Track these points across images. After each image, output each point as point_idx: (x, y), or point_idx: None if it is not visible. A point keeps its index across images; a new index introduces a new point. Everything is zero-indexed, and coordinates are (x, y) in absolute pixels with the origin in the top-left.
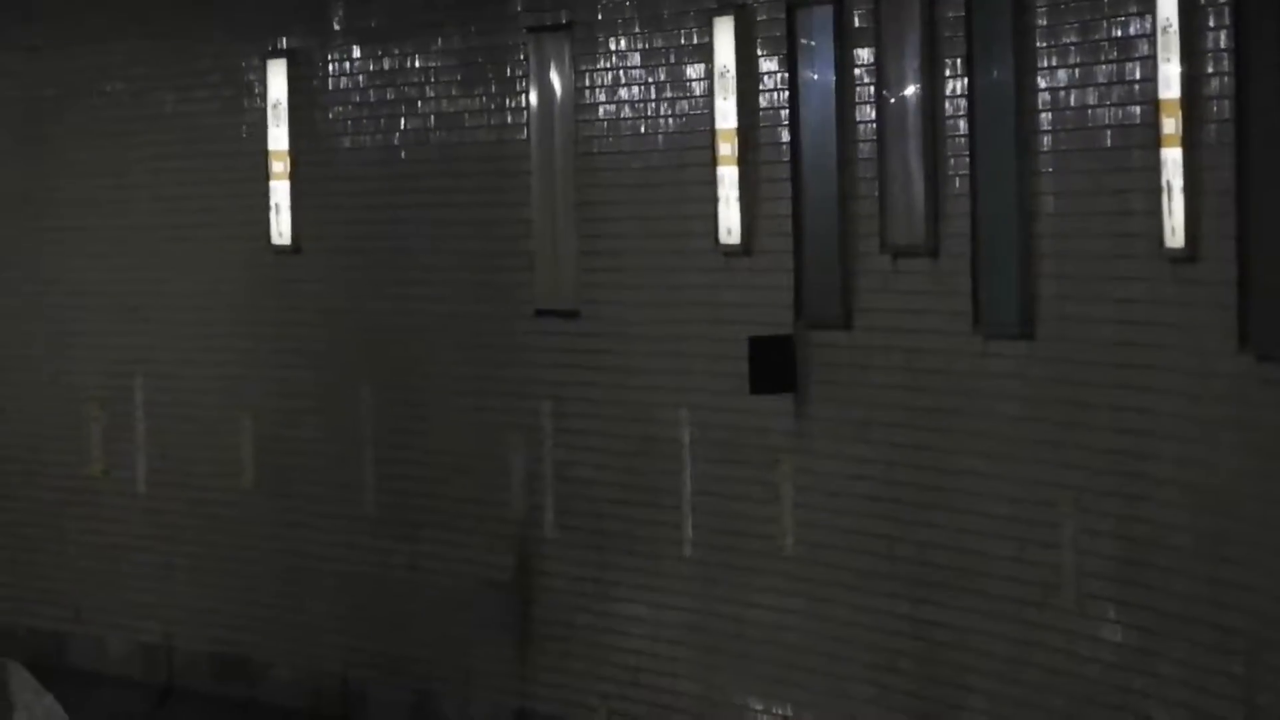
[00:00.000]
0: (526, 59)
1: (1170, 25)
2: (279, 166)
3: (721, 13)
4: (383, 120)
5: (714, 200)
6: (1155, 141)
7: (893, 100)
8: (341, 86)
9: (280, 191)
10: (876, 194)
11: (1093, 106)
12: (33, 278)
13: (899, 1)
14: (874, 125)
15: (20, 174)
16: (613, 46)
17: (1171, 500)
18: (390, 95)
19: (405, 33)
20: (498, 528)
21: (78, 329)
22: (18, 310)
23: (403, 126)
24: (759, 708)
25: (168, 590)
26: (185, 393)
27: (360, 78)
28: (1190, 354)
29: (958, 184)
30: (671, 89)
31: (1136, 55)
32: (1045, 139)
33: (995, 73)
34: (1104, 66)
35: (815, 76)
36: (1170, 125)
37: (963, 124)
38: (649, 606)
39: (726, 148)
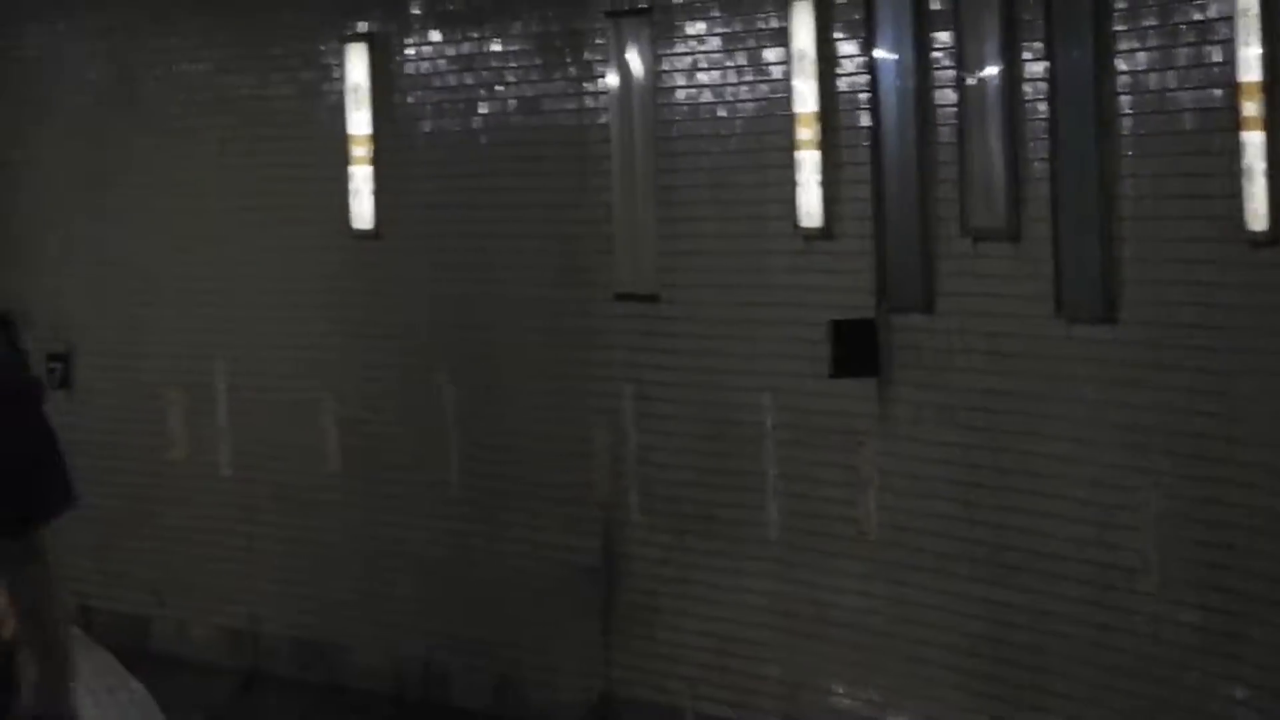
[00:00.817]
0: (606, 43)
1: (1250, 8)
2: (359, 151)
3: None
4: (462, 104)
5: (793, 184)
6: (1235, 124)
7: (972, 83)
8: (422, 70)
9: (360, 176)
10: (957, 177)
11: (1172, 90)
12: (111, 262)
13: None
14: (954, 108)
15: (98, 157)
16: (691, 30)
17: (1254, 482)
18: (469, 79)
19: (484, 17)
20: (581, 511)
21: (158, 313)
22: (98, 295)
23: (482, 111)
24: (842, 691)
25: (251, 575)
26: (267, 377)
27: (440, 61)
28: (1272, 336)
29: (1038, 167)
30: (750, 72)
31: (1216, 38)
32: (1125, 122)
33: (1075, 55)
34: (1184, 49)
35: (894, 59)
36: (1251, 108)
37: (1043, 107)
38: (732, 590)
39: (806, 131)
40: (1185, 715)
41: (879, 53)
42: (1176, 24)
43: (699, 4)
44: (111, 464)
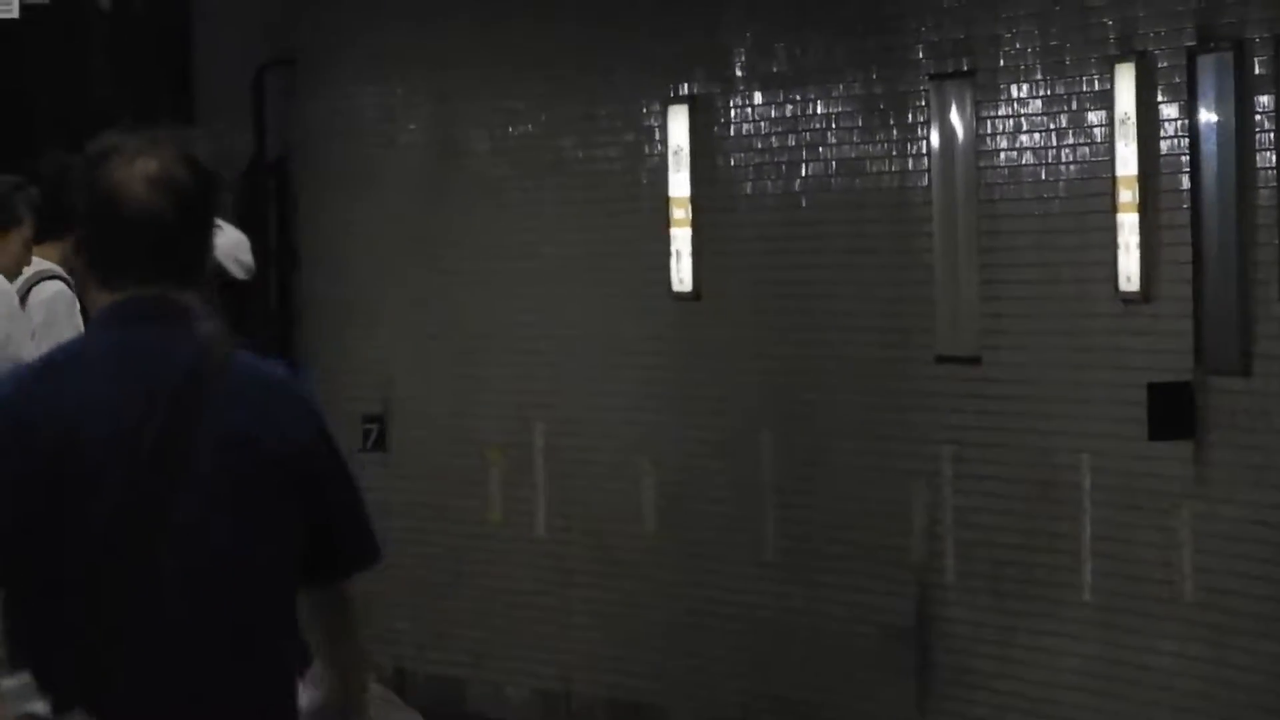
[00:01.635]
0: (928, 104)
1: None
2: (679, 213)
3: (1123, 59)
4: (784, 166)
5: (1114, 246)
6: None
7: None
8: (743, 132)
9: (681, 238)
10: (1276, 240)
11: None
12: (435, 322)
13: None
14: (1274, 171)
15: (426, 218)
16: (1014, 93)
17: None
18: (791, 141)
19: (806, 78)
20: (897, 573)
21: (479, 374)
22: (422, 355)
23: (804, 173)
24: None
25: (566, 636)
26: (586, 437)
27: (762, 123)
28: None
29: None
30: (1072, 135)
31: None
32: None
33: None
34: None
35: (1215, 122)
36: None
37: None
38: (1048, 653)
39: (1127, 194)
40: None
41: (1200, 115)
42: None
43: (1022, 66)
44: (432, 525)
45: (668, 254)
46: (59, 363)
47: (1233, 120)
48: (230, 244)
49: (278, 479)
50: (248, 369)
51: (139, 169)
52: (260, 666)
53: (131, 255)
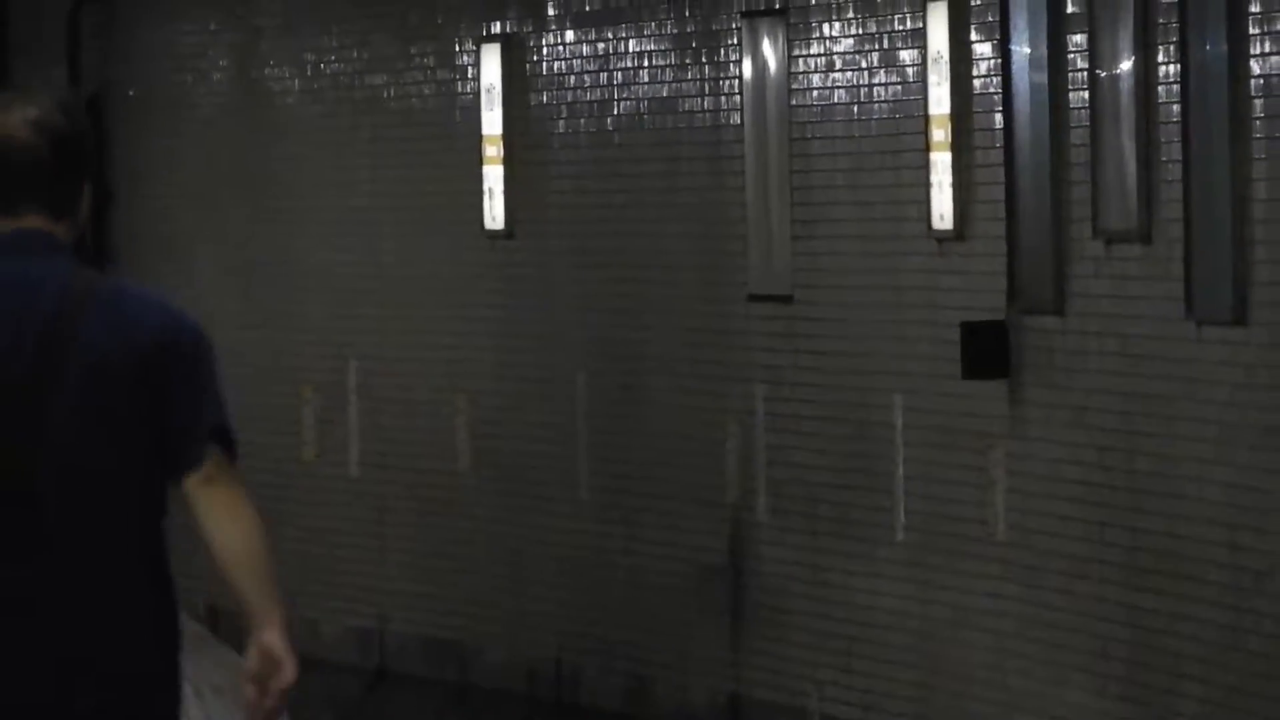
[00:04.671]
0: (740, 42)
1: None
2: (492, 151)
3: None
4: (596, 104)
5: (927, 185)
6: None
7: (1105, 84)
8: (556, 70)
9: (494, 176)
10: (1089, 178)
11: None
12: (251, 260)
13: None
14: (1087, 110)
15: (242, 156)
16: (826, 31)
17: None
18: (604, 79)
19: (619, 16)
20: (712, 512)
21: (293, 311)
22: (237, 293)
23: (616, 111)
24: (973, 693)
25: (382, 574)
26: (401, 376)
27: (574, 61)
28: None
29: (1171, 169)
30: (885, 73)
31: None
32: (1258, 123)
33: (1208, 55)
34: None
35: (1028, 60)
36: None
37: (1176, 108)
38: (862, 591)
39: (940, 133)
40: None
41: (1013, 53)
42: None
43: (834, 3)
44: (245, 464)
45: (481, 192)
46: None
47: (1046, 58)
48: None
49: (142, 386)
50: (114, 293)
51: (19, 114)
52: (138, 577)
53: (13, 191)
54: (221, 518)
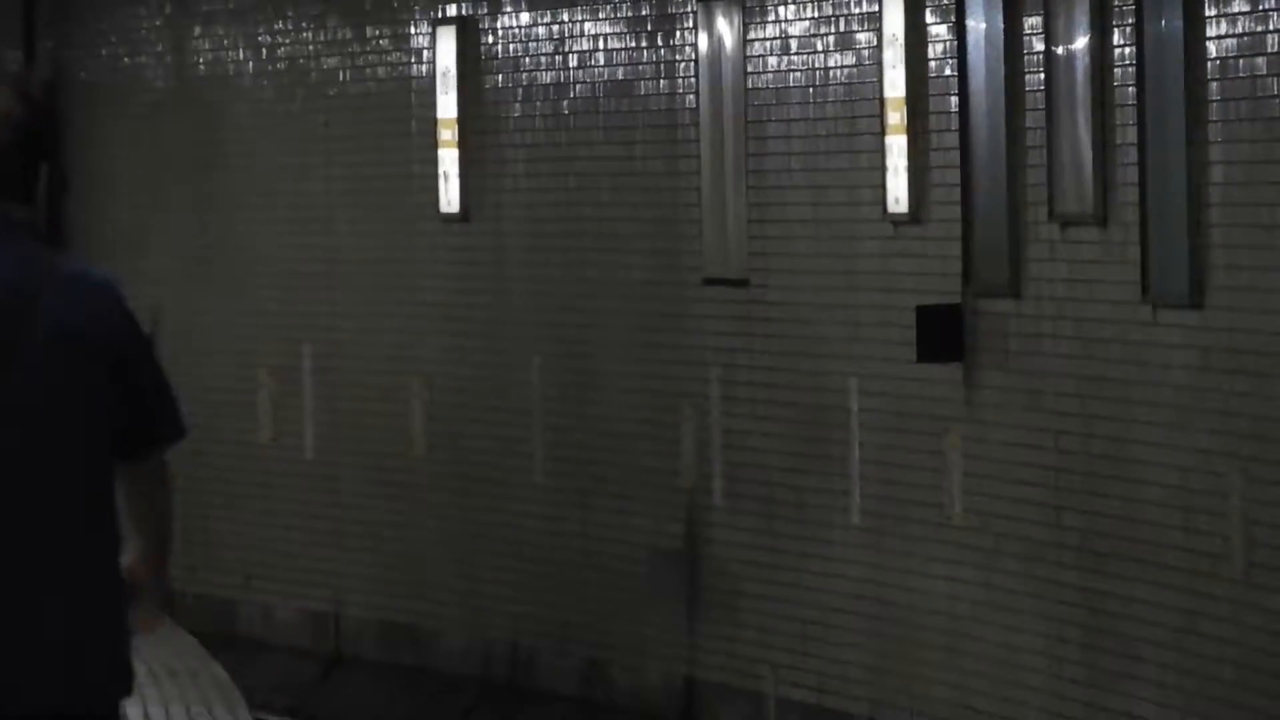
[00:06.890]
0: (695, 25)
1: None
2: (447, 134)
3: None
4: (551, 88)
5: (882, 168)
6: None
7: (1061, 66)
8: (511, 53)
9: (448, 159)
10: (1045, 162)
11: (1261, 76)
12: (205, 245)
13: None
14: (1042, 92)
15: (196, 140)
16: (782, 14)
17: None
18: (559, 62)
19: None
20: (667, 495)
21: (249, 295)
22: (192, 277)
23: (572, 94)
24: (928, 676)
25: (337, 558)
26: (356, 360)
27: (530, 44)
28: None
29: (1127, 152)
30: (840, 56)
31: None
32: (1214, 107)
33: (1164, 37)
34: (1275, 33)
35: (984, 43)
36: None
37: (1131, 91)
38: (817, 575)
39: (895, 115)
40: (1271, 702)
41: (969, 36)
42: (1265, 10)
43: None
44: (200, 447)
45: (436, 176)
46: None
47: (1001, 41)
48: None
49: (100, 366)
50: (74, 275)
51: None
52: (89, 534)
53: None
54: (146, 500)
